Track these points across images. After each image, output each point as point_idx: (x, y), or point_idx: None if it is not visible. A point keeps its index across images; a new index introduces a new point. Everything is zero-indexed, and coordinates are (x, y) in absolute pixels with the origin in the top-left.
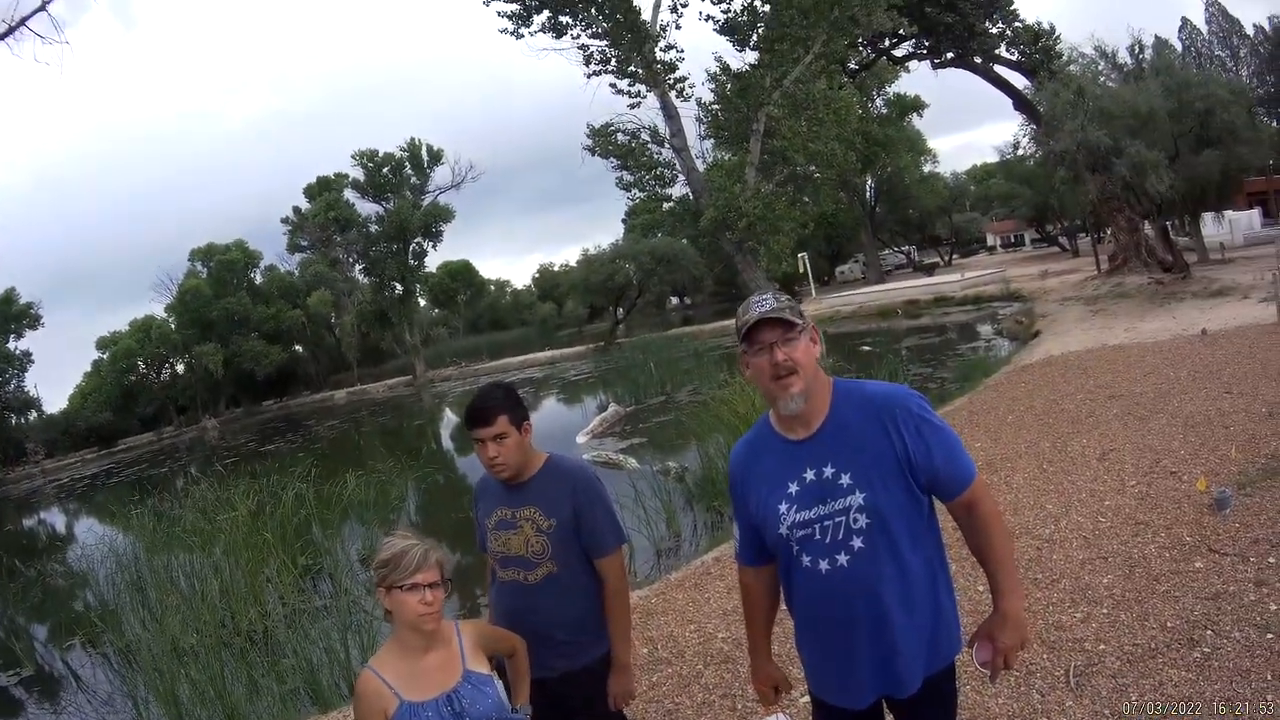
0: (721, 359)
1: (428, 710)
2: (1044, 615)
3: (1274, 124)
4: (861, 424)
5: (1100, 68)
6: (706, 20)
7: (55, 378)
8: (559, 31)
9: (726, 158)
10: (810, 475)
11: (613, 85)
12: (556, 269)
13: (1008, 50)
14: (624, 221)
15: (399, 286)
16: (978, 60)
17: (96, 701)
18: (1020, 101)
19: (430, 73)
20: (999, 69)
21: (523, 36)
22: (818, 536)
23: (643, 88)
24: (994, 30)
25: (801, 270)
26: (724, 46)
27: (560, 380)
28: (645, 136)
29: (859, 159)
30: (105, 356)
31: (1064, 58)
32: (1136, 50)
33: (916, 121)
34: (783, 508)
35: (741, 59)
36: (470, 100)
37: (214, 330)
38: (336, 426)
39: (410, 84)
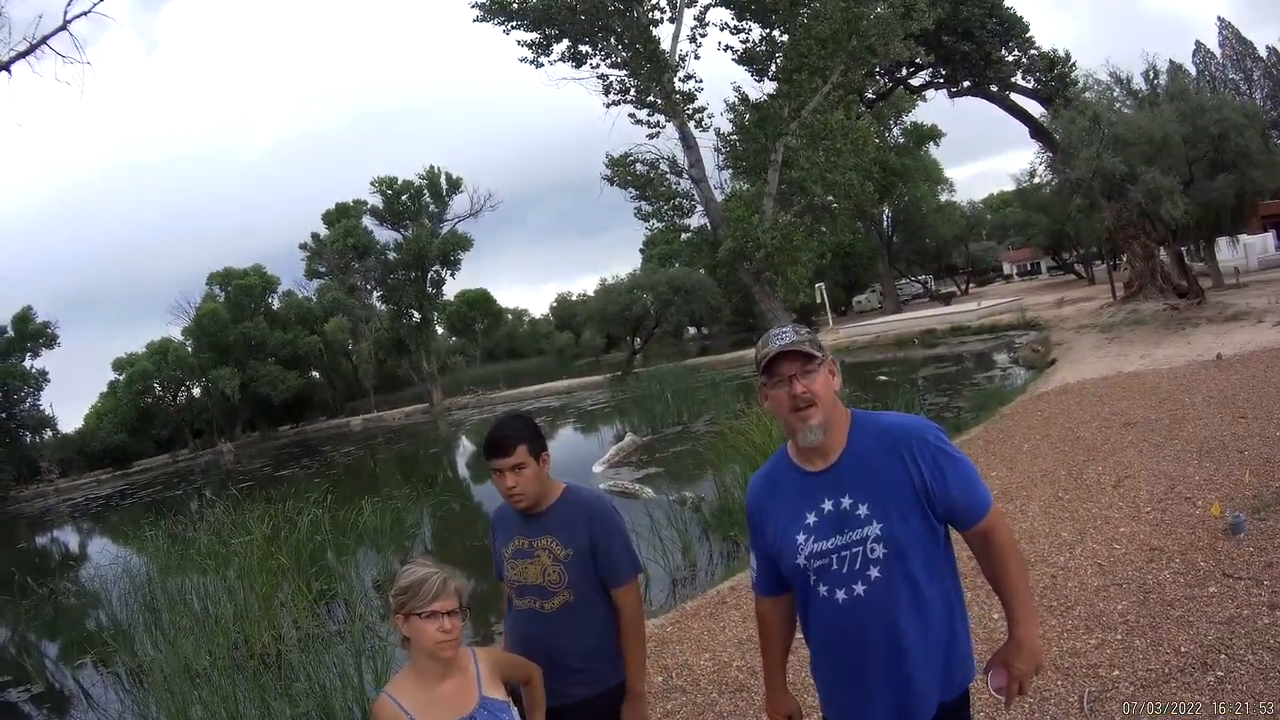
0: (738, 389)
1: None
2: (1058, 642)
3: None
4: (879, 455)
5: (1115, 94)
6: (725, 50)
7: (71, 398)
8: (579, 61)
9: (744, 188)
10: (828, 506)
11: (632, 115)
12: (574, 298)
13: (1024, 78)
14: (642, 251)
15: (416, 314)
16: (994, 88)
17: None
18: (1036, 129)
19: (449, 102)
20: (1015, 97)
21: (542, 66)
22: (835, 566)
23: (661, 118)
24: (1010, 58)
25: (818, 300)
26: (742, 77)
27: (577, 409)
28: (664, 166)
29: (876, 189)
30: (121, 378)
31: (1079, 84)
32: (1151, 75)
33: (933, 150)
34: (800, 538)
35: (760, 89)
36: (489, 129)
37: (231, 354)
38: (352, 453)
39: (428, 113)
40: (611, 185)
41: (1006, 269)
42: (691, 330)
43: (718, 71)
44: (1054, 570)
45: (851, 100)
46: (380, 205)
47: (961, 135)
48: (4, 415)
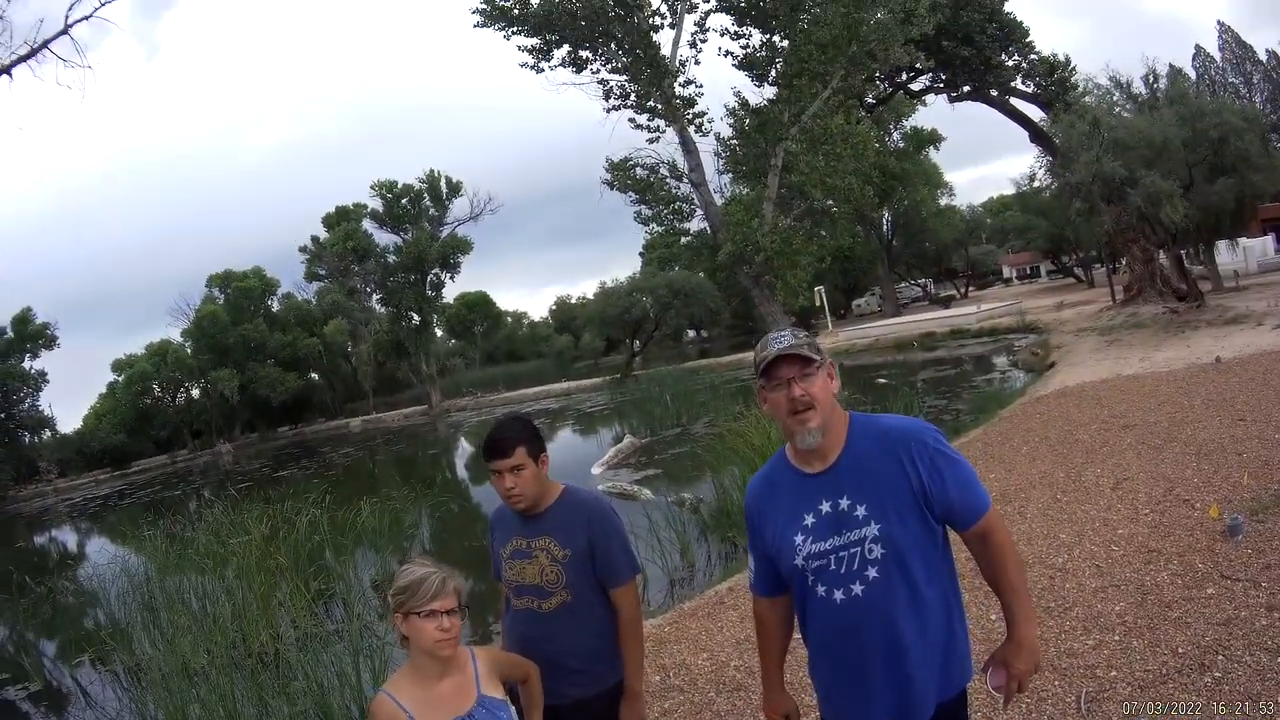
0: (737, 391)
1: None
2: (1056, 643)
3: None
4: (877, 457)
5: (1115, 98)
6: (725, 56)
7: (70, 398)
8: (579, 66)
9: (744, 192)
10: (826, 507)
11: (632, 120)
12: (574, 301)
13: (1024, 82)
14: (641, 255)
15: (416, 317)
16: (994, 93)
17: (105, 718)
18: (1036, 134)
19: (449, 105)
20: (1015, 101)
21: (543, 71)
22: (833, 567)
23: (661, 122)
24: (1010, 63)
25: (818, 303)
26: (742, 82)
27: (576, 412)
28: (664, 171)
29: (876, 193)
30: (120, 379)
31: (1079, 89)
32: (1151, 80)
33: (933, 155)
34: (798, 539)
35: (760, 94)
36: (489, 133)
37: (230, 356)
38: (351, 454)
39: (427, 117)
40: (612, 189)
41: (1006, 272)
42: (691, 333)
43: (718, 76)
44: (1052, 571)
45: (852, 105)
46: (380, 209)
47: (961, 139)
48: (3, 415)
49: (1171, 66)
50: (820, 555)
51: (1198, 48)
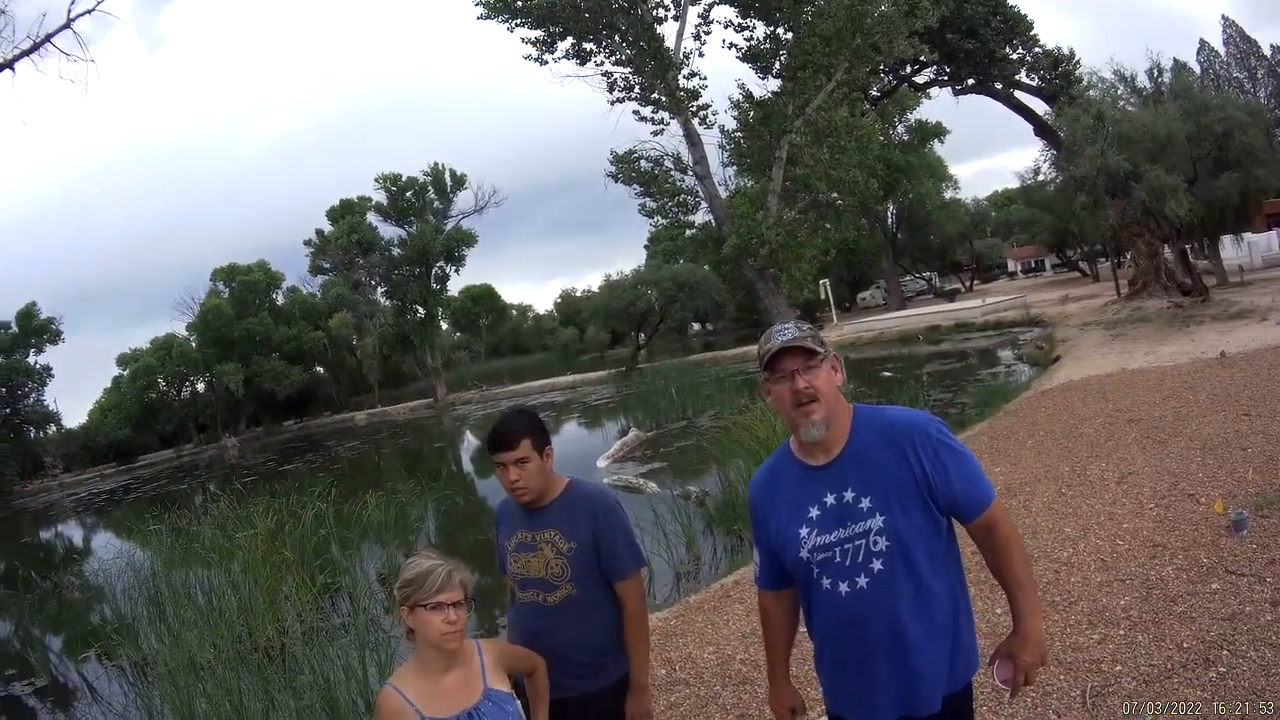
0: (743, 384)
1: None
2: (1061, 637)
3: None
4: (881, 449)
5: (1119, 92)
6: (729, 48)
7: (75, 393)
8: (583, 59)
9: (749, 185)
10: (830, 499)
11: (636, 112)
12: (579, 294)
13: (1028, 76)
14: (646, 248)
15: (421, 310)
16: (998, 86)
17: (111, 714)
18: (1041, 127)
19: (453, 97)
20: (1019, 95)
21: (546, 63)
22: (837, 559)
23: (666, 115)
24: (1014, 56)
25: (823, 296)
26: (747, 74)
27: (581, 405)
28: (668, 163)
29: (880, 186)
30: (125, 373)
31: (1084, 82)
32: (1155, 74)
33: (938, 148)
34: (803, 532)
35: (764, 87)
36: (493, 125)
37: (235, 350)
38: (357, 447)
39: (431, 109)
40: (616, 182)
41: (1011, 266)
42: (696, 326)
43: (722, 69)
44: (1057, 566)
45: (856, 98)
46: (385, 202)
47: (966, 132)
48: (8, 410)
49: (1176, 60)
50: (825, 548)
51: (1202, 42)
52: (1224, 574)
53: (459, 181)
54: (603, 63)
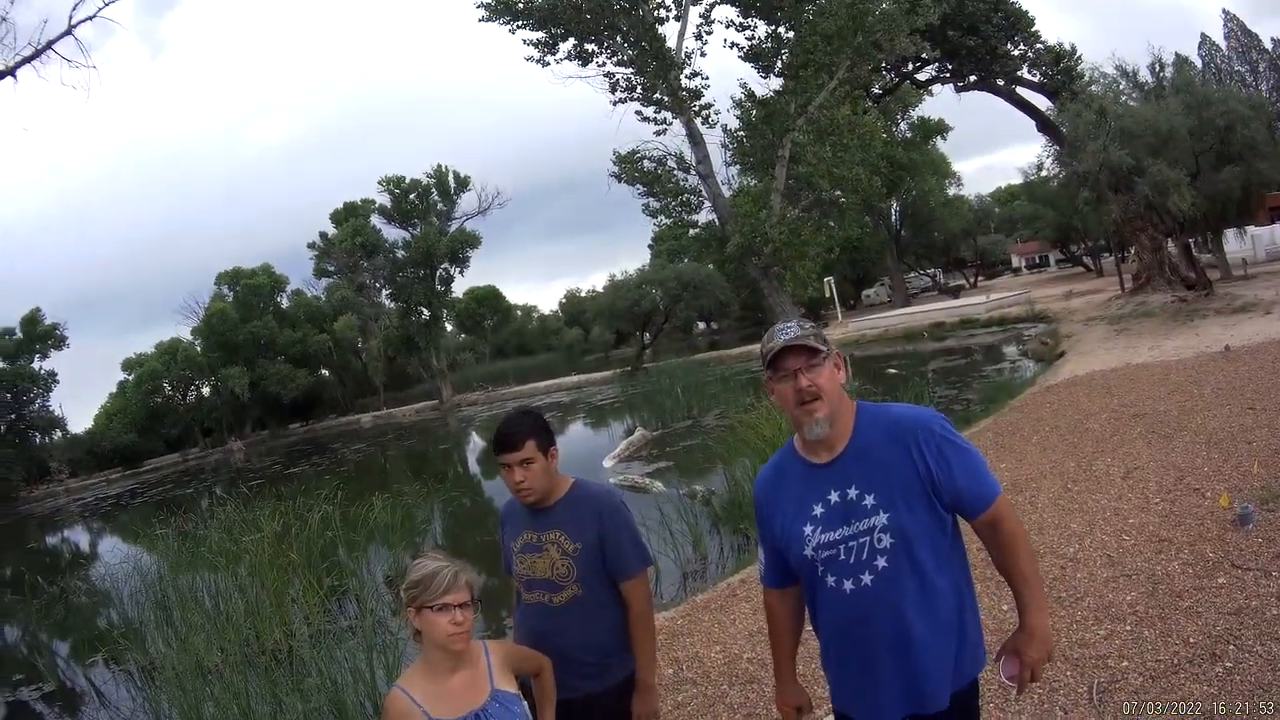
0: (748, 383)
1: None
2: (1067, 633)
3: None
4: (885, 446)
5: (1121, 87)
6: (731, 48)
7: (80, 398)
8: (585, 60)
9: (752, 184)
10: (834, 497)
11: (638, 112)
12: (583, 294)
13: (1029, 72)
14: (650, 247)
15: (425, 312)
16: (1000, 82)
17: (119, 718)
18: (1043, 123)
19: (454, 98)
20: (1021, 91)
21: (548, 65)
22: (842, 557)
23: (668, 115)
24: (1016, 52)
25: (827, 294)
26: (749, 73)
27: (587, 405)
28: (671, 163)
29: (884, 183)
30: (130, 378)
31: (1085, 78)
32: (1157, 68)
33: (940, 145)
34: (807, 530)
35: (766, 85)
36: (495, 126)
37: (240, 353)
38: (362, 450)
39: (433, 109)
40: (619, 181)
41: (1014, 262)
42: (700, 325)
43: (724, 68)
44: (1063, 561)
45: (858, 95)
46: (388, 204)
47: (968, 129)
48: (14, 416)
49: (1177, 55)
50: (829, 545)
51: (1203, 36)
52: (1230, 568)
53: (463, 183)
54: (605, 63)
